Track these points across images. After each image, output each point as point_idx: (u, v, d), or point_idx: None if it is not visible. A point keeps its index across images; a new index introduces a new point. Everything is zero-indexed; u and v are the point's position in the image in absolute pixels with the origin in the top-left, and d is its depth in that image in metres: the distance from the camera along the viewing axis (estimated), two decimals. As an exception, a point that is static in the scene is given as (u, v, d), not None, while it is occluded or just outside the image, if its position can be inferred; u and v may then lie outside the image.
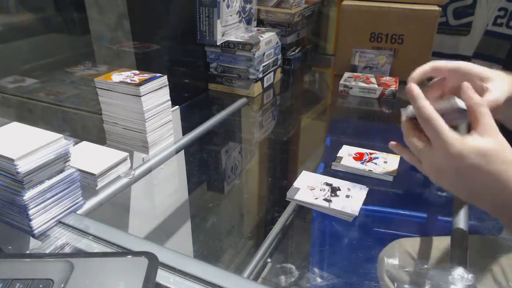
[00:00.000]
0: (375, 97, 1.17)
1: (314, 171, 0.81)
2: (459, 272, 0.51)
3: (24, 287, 0.40)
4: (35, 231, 0.52)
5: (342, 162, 0.81)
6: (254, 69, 1.12)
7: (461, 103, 0.48)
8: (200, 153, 0.99)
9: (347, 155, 0.84)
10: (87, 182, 0.65)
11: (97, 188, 0.65)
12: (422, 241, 0.73)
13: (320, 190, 0.73)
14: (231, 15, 1.12)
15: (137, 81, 0.74)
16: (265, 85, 1.20)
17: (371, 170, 0.78)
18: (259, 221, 1.06)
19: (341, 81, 1.19)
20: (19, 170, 0.48)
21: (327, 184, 0.75)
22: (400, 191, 0.82)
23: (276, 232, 0.67)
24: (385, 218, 0.80)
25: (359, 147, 0.87)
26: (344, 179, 0.76)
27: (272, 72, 1.24)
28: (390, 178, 0.77)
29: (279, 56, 1.26)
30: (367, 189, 0.73)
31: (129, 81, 0.74)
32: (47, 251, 0.51)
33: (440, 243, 0.71)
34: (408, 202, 0.83)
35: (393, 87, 1.15)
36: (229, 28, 1.13)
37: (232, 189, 1.01)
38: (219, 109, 1.05)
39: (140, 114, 0.74)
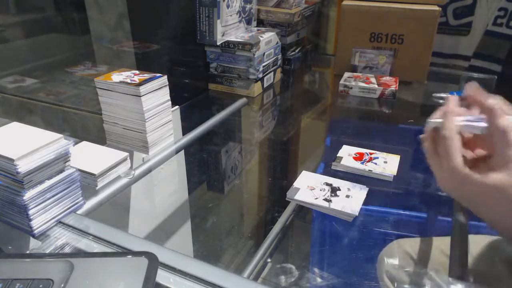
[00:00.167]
0: (375, 97, 1.17)
1: (314, 171, 0.81)
2: (459, 272, 0.51)
3: (24, 287, 0.40)
4: (35, 231, 0.52)
5: (342, 162, 0.81)
6: (254, 69, 1.12)
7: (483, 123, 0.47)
8: (200, 153, 0.99)
9: (347, 155, 0.84)
10: (87, 182, 0.65)
11: (97, 188, 0.65)
12: (422, 241, 0.73)
13: (320, 190, 0.73)
14: (231, 15, 1.12)
15: (137, 81, 0.74)
16: (265, 85, 1.20)
17: (371, 170, 0.78)
18: (259, 221, 1.06)
19: (341, 81, 1.19)
20: (19, 170, 0.48)
21: (327, 184, 0.75)
22: (400, 191, 0.82)
23: (276, 232, 0.67)
24: (385, 218, 0.80)
25: (359, 147, 0.87)
26: (344, 179, 0.76)
27: (272, 72, 1.24)
28: (390, 178, 0.77)
29: (279, 56, 1.26)
30: (367, 189, 0.73)
31: (129, 81, 0.74)
32: (47, 251, 0.51)
33: (440, 243, 0.71)
34: (408, 202, 0.83)
35: (393, 87, 1.15)
36: (229, 28, 1.13)
37: (232, 189, 1.01)
38: (219, 109, 1.05)
39: (140, 114, 0.74)
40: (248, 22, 1.23)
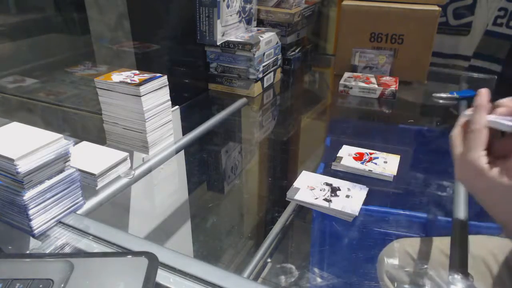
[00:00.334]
0: (375, 97, 1.17)
1: (314, 171, 0.81)
2: (459, 272, 0.51)
3: (24, 287, 0.40)
4: (35, 231, 0.52)
5: (342, 162, 0.81)
6: (254, 69, 1.12)
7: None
8: (200, 153, 1.00)
9: (347, 155, 0.84)
10: (87, 182, 0.65)
11: (97, 188, 0.65)
12: (422, 241, 0.73)
13: (320, 190, 0.73)
14: (231, 15, 1.12)
15: (137, 81, 0.74)
16: (265, 85, 1.20)
17: (371, 170, 0.78)
18: (259, 221, 1.06)
19: (341, 81, 1.19)
20: (19, 170, 0.48)
21: (327, 184, 0.75)
22: (400, 191, 0.82)
23: (276, 232, 0.67)
24: (385, 218, 0.80)
25: (359, 147, 0.87)
26: (344, 179, 0.76)
27: (272, 72, 1.24)
28: (390, 178, 0.77)
29: (279, 56, 1.26)
30: (367, 189, 0.73)
31: (129, 81, 0.74)
32: (47, 251, 0.51)
33: (440, 243, 0.71)
34: (408, 202, 0.83)
35: (393, 87, 1.15)
36: (229, 28, 1.13)
37: (232, 189, 1.01)
38: (219, 109, 1.05)
39: (140, 114, 0.74)
40: (248, 22, 1.23)
